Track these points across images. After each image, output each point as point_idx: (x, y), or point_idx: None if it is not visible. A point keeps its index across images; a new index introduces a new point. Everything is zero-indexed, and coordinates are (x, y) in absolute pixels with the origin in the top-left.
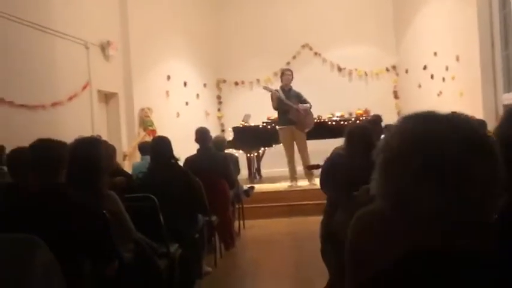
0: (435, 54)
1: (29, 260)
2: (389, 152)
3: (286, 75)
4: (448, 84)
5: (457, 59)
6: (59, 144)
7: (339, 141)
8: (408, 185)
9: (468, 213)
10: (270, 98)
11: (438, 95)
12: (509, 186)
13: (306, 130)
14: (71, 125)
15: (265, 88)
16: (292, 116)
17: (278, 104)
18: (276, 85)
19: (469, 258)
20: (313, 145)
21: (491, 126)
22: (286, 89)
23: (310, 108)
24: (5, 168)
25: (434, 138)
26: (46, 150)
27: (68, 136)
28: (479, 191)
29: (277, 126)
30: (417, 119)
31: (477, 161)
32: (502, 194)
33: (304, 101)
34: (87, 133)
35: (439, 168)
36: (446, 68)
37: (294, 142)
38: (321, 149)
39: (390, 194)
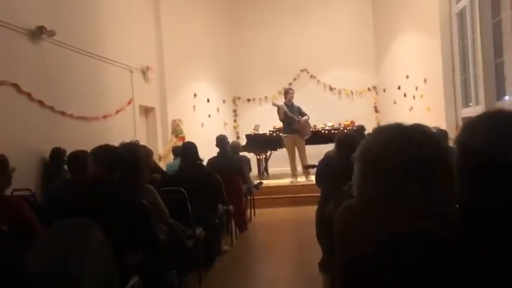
0: (407, 77)
1: (86, 239)
2: (366, 159)
3: (289, 93)
4: (418, 101)
5: (425, 81)
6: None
7: (330, 146)
8: (393, 186)
9: (432, 205)
10: (276, 111)
11: (410, 109)
12: (468, 186)
13: (305, 137)
14: (118, 133)
15: (274, 104)
16: (295, 127)
17: (284, 116)
18: (281, 101)
19: (433, 240)
20: (309, 149)
21: (453, 135)
22: (289, 104)
23: (308, 119)
24: (66, 167)
25: (405, 146)
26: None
27: (116, 142)
28: (441, 188)
29: (281, 134)
30: (392, 131)
31: (445, 163)
32: (456, 191)
33: (304, 114)
34: (130, 139)
35: (418, 171)
36: (416, 88)
37: (295, 147)
38: (316, 153)
39: (368, 192)
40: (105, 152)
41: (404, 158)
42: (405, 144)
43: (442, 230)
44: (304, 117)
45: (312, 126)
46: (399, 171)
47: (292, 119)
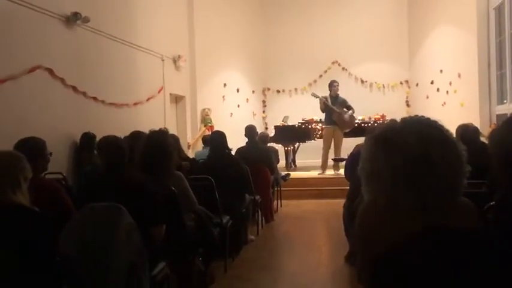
0: (441, 71)
1: (116, 222)
2: (367, 167)
3: (333, 85)
4: (451, 97)
5: (459, 76)
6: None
7: (361, 140)
8: (388, 188)
9: (441, 197)
10: (306, 102)
11: (442, 105)
12: (505, 182)
13: (345, 131)
14: (149, 120)
15: (313, 94)
16: (334, 118)
17: (324, 107)
18: (312, 91)
19: (458, 234)
20: None
21: (486, 132)
22: (334, 96)
23: (353, 113)
24: (96, 152)
25: (394, 145)
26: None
27: (146, 129)
28: (444, 176)
29: (322, 126)
30: (378, 135)
31: (433, 151)
32: (466, 173)
33: (349, 107)
34: (160, 127)
35: (405, 169)
36: (450, 83)
37: (333, 138)
38: (346, 146)
39: (380, 197)
40: (105, 143)
41: (403, 160)
42: (401, 146)
43: (473, 226)
44: (349, 112)
45: (355, 120)
46: (401, 175)
47: (332, 110)
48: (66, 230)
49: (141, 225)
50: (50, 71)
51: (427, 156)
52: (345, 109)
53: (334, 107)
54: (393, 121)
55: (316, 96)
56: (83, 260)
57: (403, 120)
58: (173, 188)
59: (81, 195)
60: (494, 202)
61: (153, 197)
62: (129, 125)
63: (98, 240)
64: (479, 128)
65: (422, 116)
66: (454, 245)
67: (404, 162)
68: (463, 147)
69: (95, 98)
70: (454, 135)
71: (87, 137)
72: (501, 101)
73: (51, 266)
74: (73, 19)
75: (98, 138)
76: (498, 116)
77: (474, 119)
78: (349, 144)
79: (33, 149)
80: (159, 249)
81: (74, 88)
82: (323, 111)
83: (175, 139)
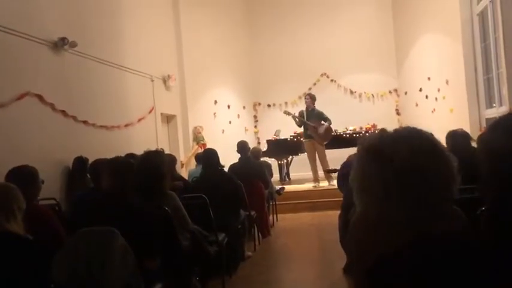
0: (429, 78)
1: (110, 245)
2: (358, 181)
3: (306, 99)
4: (440, 103)
5: (447, 82)
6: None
7: (352, 150)
8: (380, 204)
9: (433, 208)
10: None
11: (432, 111)
12: (495, 188)
13: (324, 143)
14: (140, 141)
15: (285, 112)
16: (310, 132)
17: (299, 122)
18: (301, 106)
19: (451, 239)
20: (331, 153)
21: (476, 136)
22: (310, 110)
23: (330, 124)
24: (88, 175)
25: (383, 159)
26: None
27: (138, 150)
28: (436, 185)
29: (302, 139)
30: (367, 148)
31: (424, 162)
32: (457, 180)
33: (326, 119)
34: (153, 147)
35: (397, 183)
36: (438, 90)
37: (316, 151)
38: (338, 157)
39: (372, 211)
40: (115, 163)
41: (394, 172)
42: (392, 156)
43: (465, 233)
44: (325, 124)
45: (333, 130)
46: (392, 190)
47: (307, 125)
48: (59, 256)
49: (136, 253)
50: (39, 97)
51: (419, 168)
52: (322, 122)
53: (308, 122)
54: (383, 131)
55: (288, 114)
56: (77, 286)
57: (394, 131)
58: (167, 209)
59: (75, 220)
60: (484, 208)
61: (152, 228)
62: (121, 146)
63: (92, 265)
64: (469, 132)
65: (414, 127)
66: (444, 254)
67: (395, 173)
68: (454, 158)
69: (85, 122)
70: (445, 143)
71: (80, 161)
72: (490, 104)
73: None
74: (60, 44)
75: (90, 162)
76: (487, 119)
77: (464, 124)
78: (342, 155)
79: (25, 177)
80: (155, 271)
81: (64, 113)
82: (300, 126)
83: (171, 159)
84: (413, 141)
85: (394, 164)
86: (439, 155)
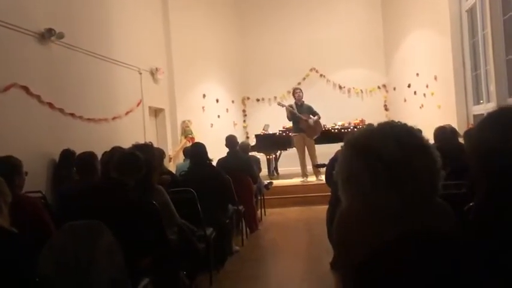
0: (417, 74)
1: (97, 239)
2: (344, 172)
3: (296, 92)
4: (428, 99)
5: (435, 78)
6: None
7: (341, 145)
8: (367, 195)
9: (421, 200)
10: (284, 111)
11: (420, 107)
12: (482, 184)
13: (315, 137)
14: (127, 135)
15: (279, 104)
16: (302, 126)
17: (291, 115)
18: (290, 101)
19: (443, 238)
20: (319, 148)
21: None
22: (299, 104)
23: (319, 119)
24: (75, 168)
25: (373, 151)
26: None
27: (126, 143)
28: (424, 179)
29: (291, 134)
30: (356, 141)
31: (413, 157)
32: (441, 175)
33: (315, 113)
34: (140, 141)
35: (385, 175)
36: (427, 86)
37: (305, 146)
38: (326, 152)
39: (356, 203)
40: (124, 157)
41: (382, 164)
42: (381, 150)
43: (453, 228)
44: (314, 117)
45: (322, 125)
46: (381, 181)
47: (299, 118)
48: (46, 249)
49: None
50: (26, 89)
51: (407, 163)
52: (311, 115)
53: (301, 115)
54: (370, 126)
55: (282, 105)
56: (63, 280)
57: (380, 125)
58: (155, 203)
59: (61, 213)
60: (473, 203)
61: (141, 222)
62: (109, 140)
63: (78, 259)
64: (457, 128)
65: (399, 121)
66: (432, 249)
67: (384, 167)
68: (437, 153)
69: (72, 114)
70: (433, 138)
71: (66, 154)
72: (477, 101)
73: (30, 286)
74: (47, 35)
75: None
76: (475, 116)
77: (451, 120)
78: (330, 150)
79: (10, 168)
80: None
81: (51, 105)
82: (290, 120)
83: (159, 153)
84: (401, 135)
85: (381, 158)
86: (426, 150)
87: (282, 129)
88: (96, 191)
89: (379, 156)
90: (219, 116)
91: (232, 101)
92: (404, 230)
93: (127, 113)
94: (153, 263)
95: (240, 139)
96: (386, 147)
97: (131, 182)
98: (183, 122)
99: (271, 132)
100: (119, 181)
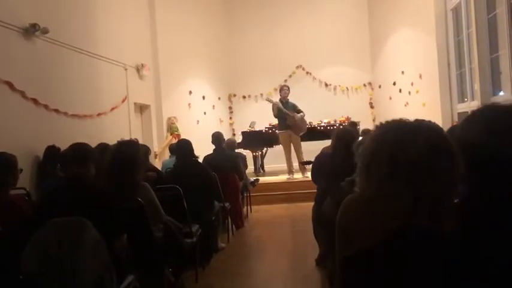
0: (402, 72)
1: (81, 236)
2: (366, 157)
3: (284, 90)
4: (413, 97)
5: (420, 76)
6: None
7: (326, 143)
8: (382, 182)
9: (433, 200)
10: (271, 108)
11: (405, 105)
12: (466, 180)
13: (301, 134)
14: (113, 131)
15: (267, 99)
16: (289, 122)
17: (278, 112)
18: (276, 98)
19: (434, 235)
20: (305, 146)
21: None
22: (284, 101)
23: (304, 116)
24: (59, 165)
25: (401, 143)
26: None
27: (111, 139)
28: (442, 183)
29: (277, 131)
30: (387, 128)
31: (438, 159)
32: (460, 183)
33: (299, 111)
34: (126, 137)
35: (406, 168)
36: (412, 84)
37: (291, 143)
38: (312, 149)
39: (369, 190)
40: (77, 150)
41: (404, 159)
42: (406, 144)
43: (444, 225)
44: (299, 114)
45: (307, 122)
46: (399, 173)
47: (286, 115)
48: (29, 247)
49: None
50: (9, 84)
51: (431, 160)
52: (295, 113)
53: (288, 112)
54: (404, 120)
55: (271, 101)
56: (47, 277)
57: (414, 121)
58: (140, 200)
59: (44, 210)
60: (456, 200)
61: (109, 208)
62: (94, 136)
63: (62, 256)
64: (441, 126)
65: (434, 122)
66: (423, 245)
67: (406, 160)
68: (462, 162)
69: (56, 110)
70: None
71: (51, 150)
72: (462, 99)
73: (14, 284)
74: (31, 30)
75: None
76: (459, 114)
77: (436, 118)
78: (316, 147)
79: (5, 164)
80: (128, 262)
81: (35, 101)
82: (276, 117)
83: (145, 150)
84: (431, 136)
85: (406, 152)
86: (453, 156)
87: (268, 126)
88: (63, 187)
89: (405, 151)
90: (205, 113)
91: (219, 98)
92: (394, 229)
93: (112, 109)
94: (136, 257)
95: (226, 136)
96: (414, 142)
97: (91, 170)
98: (169, 118)
99: (257, 129)
100: (77, 174)
